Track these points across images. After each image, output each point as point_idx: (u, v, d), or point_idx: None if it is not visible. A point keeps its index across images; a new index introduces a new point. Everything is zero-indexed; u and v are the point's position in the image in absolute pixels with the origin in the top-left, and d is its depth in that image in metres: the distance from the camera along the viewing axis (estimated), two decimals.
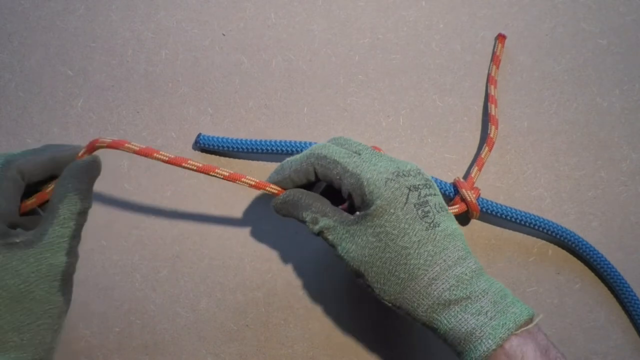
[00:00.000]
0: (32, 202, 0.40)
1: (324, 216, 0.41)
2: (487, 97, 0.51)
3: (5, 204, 0.37)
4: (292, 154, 0.48)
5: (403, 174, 0.40)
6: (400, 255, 0.38)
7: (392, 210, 0.39)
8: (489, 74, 0.51)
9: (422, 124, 0.51)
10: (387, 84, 0.51)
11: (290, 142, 0.48)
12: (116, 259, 0.49)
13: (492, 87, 0.50)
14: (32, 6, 0.52)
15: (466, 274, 0.38)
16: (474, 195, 0.47)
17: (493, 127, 0.49)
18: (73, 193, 0.38)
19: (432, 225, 0.39)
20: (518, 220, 0.48)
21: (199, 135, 0.50)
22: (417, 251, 0.38)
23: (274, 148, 0.49)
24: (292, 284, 0.49)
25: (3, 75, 0.51)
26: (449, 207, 0.47)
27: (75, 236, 0.38)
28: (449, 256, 0.38)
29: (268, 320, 0.49)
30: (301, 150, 0.47)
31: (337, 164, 0.41)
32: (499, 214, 0.48)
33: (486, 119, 0.51)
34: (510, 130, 0.51)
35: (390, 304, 0.40)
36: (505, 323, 0.36)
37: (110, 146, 0.40)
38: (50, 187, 0.40)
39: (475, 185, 0.48)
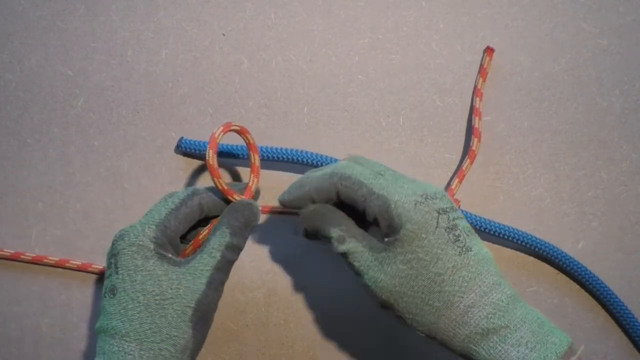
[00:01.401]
0: (189, 249, 0.42)
1: (352, 237, 0.39)
2: (471, 109, 0.51)
3: (176, 225, 0.39)
4: (270, 159, 0.48)
5: (431, 197, 0.38)
6: (433, 283, 0.36)
7: (423, 235, 0.37)
8: (475, 86, 0.51)
9: (422, 124, 0.51)
10: (387, 84, 0.51)
11: (268, 148, 0.48)
12: None
13: (478, 99, 0.50)
14: (32, 6, 0.52)
15: (502, 301, 0.36)
16: None
17: (475, 140, 0.49)
18: (225, 227, 0.39)
19: (464, 249, 0.37)
20: (497, 234, 0.48)
21: (181, 139, 0.50)
22: (451, 277, 0.36)
23: (238, 152, 0.48)
24: (292, 284, 0.49)
25: (3, 75, 0.51)
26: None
27: (220, 269, 0.38)
28: (484, 282, 0.36)
29: (268, 320, 0.49)
30: (281, 157, 0.48)
31: (362, 184, 0.39)
32: (478, 227, 0.48)
33: (487, 118, 0.51)
34: (510, 130, 0.51)
35: (423, 334, 0.38)
36: (547, 355, 0.35)
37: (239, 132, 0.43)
38: (204, 233, 0.41)
39: (455, 197, 0.48)
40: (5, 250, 0.49)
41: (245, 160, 0.48)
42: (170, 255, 0.39)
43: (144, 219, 0.40)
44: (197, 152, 0.49)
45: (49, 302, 0.49)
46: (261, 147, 0.48)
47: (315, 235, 0.41)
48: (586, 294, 0.50)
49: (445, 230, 0.37)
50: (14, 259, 0.49)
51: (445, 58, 0.52)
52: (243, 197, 0.43)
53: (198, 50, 0.51)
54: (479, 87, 0.50)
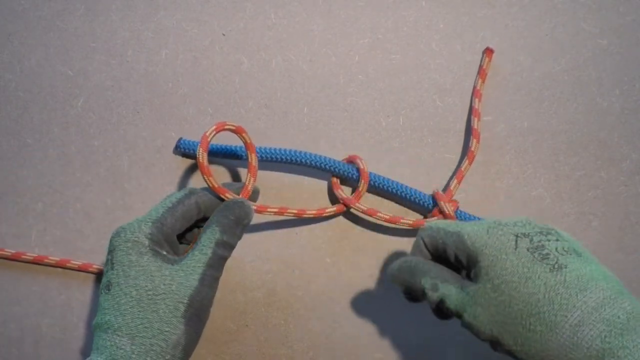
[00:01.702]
0: (189, 250, 0.42)
1: (444, 282, 0.38)
2: (471, 110, 0.51)
3: (172, 223, 0.40)
4: (270, 160, 0.48)
5: (506, 224, 0.37)
6: (529, 305, 0.34)
7: (503, 257, 0.35)
8: (474, 87, 0.51)
9: (422, 124, 0.51)
10: (387, 84, 0.51)
11: (267, 148, 0.48)
12: None
13: (477, 100, 0.50)
14: (32, 6, 0.52)
15: (619, 317, 0.32)
16: (452, 208, 0.48)
17: (474, 141, 0.49)
18: (215, 225, 0.40)
19: (556, 267, 0.34)
20: None
21: (180, 139, 0.50)
22: (546, 296, 0.34)
23: (235, 152, 0.48)
24: (292, 284, 0.49)
25: (3, 75, 0.51)
26: (426, 219, 0.48)
27: (212, 265, 0.39)
28: (591, 297, 0.33)
29: (268, 320, 0.49)
30: (279, 158, 0.48)
31: (439, 229, 0.39)
32: None
33: (487, 118, 0.51)
34: (510, 130, 0.51)
35: None
36: None
37: (234, 131, 0.43)
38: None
39: (454, 198, 0.49)
40: (6, 250, 0.49)
41: (245, 161, 0.48)
42: (164, 253, 0.39)
43: (141, 217, 0.40)
44: (196, 152, 0.49)
45: (49, 302, 0.49)
46: (260, 148, 0.48)
47: (410, 293, 0.40)
48: None
49: (528, 250, 0.35)
50: (14, 259, 0.49)
51: (445, 58, 0.51)
52: (237, 196, 0.43)
53: (198, 50, 0.51)
54: (478, 87, 0.50)
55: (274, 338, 0.49)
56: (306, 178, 0.50)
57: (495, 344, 0.36)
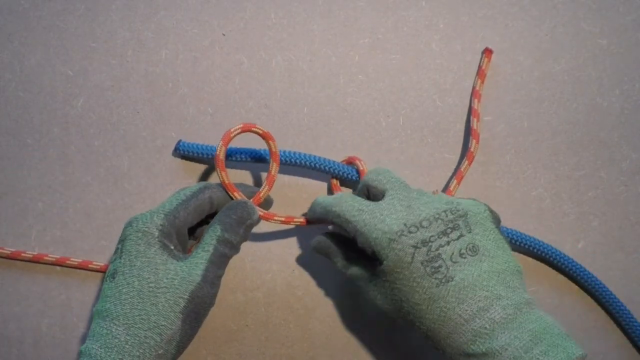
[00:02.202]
0: (194, 245, 0.44)
1: (353, 264, 0.44)
2: (470, 110, 0.51)
3: (185, 216, 0.41)
4: (267, 161, 0.48)
5: (410, 231, 0.39)
6: (415, 311, 0.39)
7: (398, 270, 0.39)
8: (473, 88, 0.51)
9: (422, 124, 0.51)
10: (387, 84, 0.51)
11: (266, 150, 0.48)
12: None
13: (476, 100, 0.50)
14: (32, 6, 0.52)
15: (486, 328, 0.37)
16: None
17: (474, 141, 0.49)
18: (216, 223, 0.41)
19: (443, 280, 0.38)
20: None
21: (179, 142, 0.50)
22: (429, 307, 0.38)
23: (250, 155, 0.48)
24: (292, 284, 0.49)
25: (3, 75, 0.51)
26: None
27: (214, 262, 0.39)
28: (465, 310, 0.37)
29: (268, 320, 0.49)
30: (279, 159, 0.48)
31: (349, 223, 0.42)
32: None
33: (487, 118, 0.51)
34: (510, 130, 0.51)
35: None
36: None
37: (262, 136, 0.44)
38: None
39: None
40: (6, 248, 0.49)
41: (248, 163, 0.49)
42: (172, 247, 0.40)
43: (155, 208, 0.41)
44: (195, 154, 0.49)
45: (49, 302, 0.49)
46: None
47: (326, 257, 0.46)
48: (586, 294, 0.50)
49: (422, 264, 0.38)
50: (14, 257, 0.49)
51: (445, 58, 0.51)
52: (245, 197, 0.44)
53: (198, 50, 0.51)
54: (477, 88, 0.50)
55: (274, 338, 0.49)
56: (306, 179, 0.51)
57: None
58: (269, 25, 0.52)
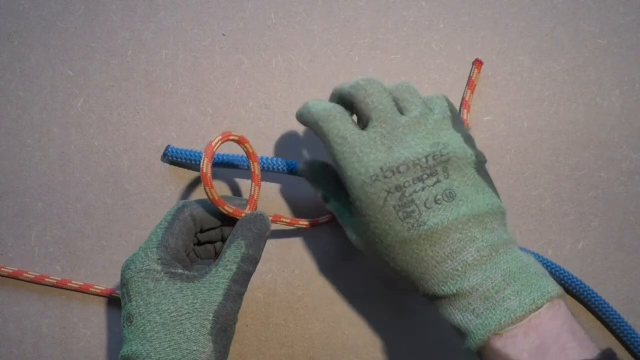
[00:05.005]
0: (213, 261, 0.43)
1: (334, 197, 0.45)
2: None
3: (174, 241, 0.40)
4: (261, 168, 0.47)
5: (385, 175, 0.39)
6: (388, 252, 0.39)
7: (370, 213, 0.39)
8: (463, 98, 0.51)
9: None
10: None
11: (241, 156, 0.48)
12: (116, 259, 0.49)
13: (465, 111, 0.50)
14: (32, 6, 0.52)
15: (457, 270, 0.37)
16: None
17: None
18: (240, 239, 0.40)
19: (415, 225, 0.38)
20: None
21: (168, 147, 0.49)
22: (401, 249, 0.39)
23: (236, 162, 0.48)
24: (292, 284, 0.49)
25: (3, 75, 0.51)
26: None
27: (236, 280, 0.39)
28: (437, 252, 0.38)
29: (268, 320, 0.49)
30: (267, 166, 0.47)
31: (330, 147, 0.41)
32: None
33: (487, 118, 0.51)
34: (510, 130, 0.51)
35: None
36: (488, 324, 0.35)
37: (237, 141, 0.42)
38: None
39: None
40: (7, 267, 0.49)
41: (240, 170, 0.48)
42: (181, 271, 0.39)
43: (144, 244, 0.40)
44: (184, 160, 0.49)
45: (49, 302, 0.49)
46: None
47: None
48: (589, 313, 0.49)
49: (394, 208, 0.38)
50: (15, 277, 0.49)
51: (445, 58, 0.51)
52: (235, 207, 0.42)
53: (198, 50, 0.51)
54: (466, 99, 0.50)
55: (274, 338, 0.49)
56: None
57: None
58: (269, 25, 0.52)
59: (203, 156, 0.40)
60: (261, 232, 0.41)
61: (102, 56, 0.51)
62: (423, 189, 0.38)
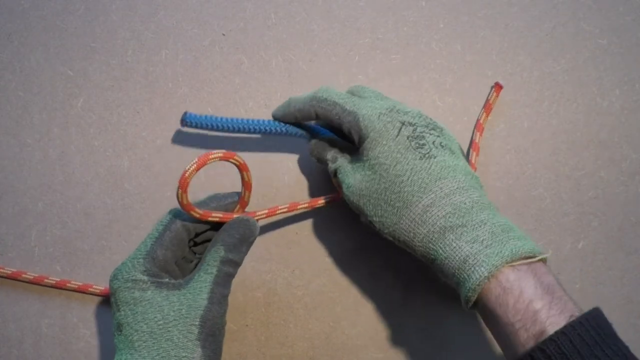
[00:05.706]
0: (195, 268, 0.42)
1: (341, 156, 0.44)
2: (471, 143, 0.50)
3: (162, 253, 0.40)
4: (271, 133, 0.47)
5: (398, 111, 0.42)
6: (394, 184, 0.39)
7: (384, 142, 0.40)
8: (477, 120, 0.50)
9: None
10: (387, 84, 0.51)
11: (269, 121, 0.47)
12: (116, 259, 0.49)
13: (478, 134, 0.50)
14: (32, 6, 0.52)
15: (465, 203, 0.38)
16: None
17: (474, 153, 0.49)
18: (219, 244, 0.40)
19: (426, 156, 0.39)
20: None
21: (185, 113, 0.47)
22: (410, 178, 0.39)
23: (254, 127, 0.47)
24: (292, 284, 0.49)
25: (3, 75, 0.51)
26: None
27: (219, 283, 0.39)
28: (447, 185, 0.38)
29: (268, 320, 0.49)
30: (280, 131, 0.47)
31: (335, 104, 0.43)
32: None
33: (487, 119, 0.51)
34: (510, 130, 0.51)
35: (390, 237, 0.40)
36: (501, 251, 0.35)
37: (222, 158, 0.40)
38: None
39: None
40: (7, 268, 0.49)
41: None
42: (167, 280, 0.39)
43: (132, 254, 0.40)
44: (201, 126, 0.47)
45: (48, 302, 0.49)
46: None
47: (321, 161, 0.46)
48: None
49: (408, 138, 0.40)
50: (14, 278, 0.48)
51: (445, 58, 0.51)
52: (224, 213, 0.41)
53: (198, 50, 0.51)
54: (481, 121, 0.50)
55: (274, 338, 0.49)
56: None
57: (361, 212, 0.42)
58: (269, 25, 0.52)
59: (177, 188, 0.39)
60: (243, 237, 0.40)
61: (102, 56, 0.51)
62: (430, 134, 0.41)
